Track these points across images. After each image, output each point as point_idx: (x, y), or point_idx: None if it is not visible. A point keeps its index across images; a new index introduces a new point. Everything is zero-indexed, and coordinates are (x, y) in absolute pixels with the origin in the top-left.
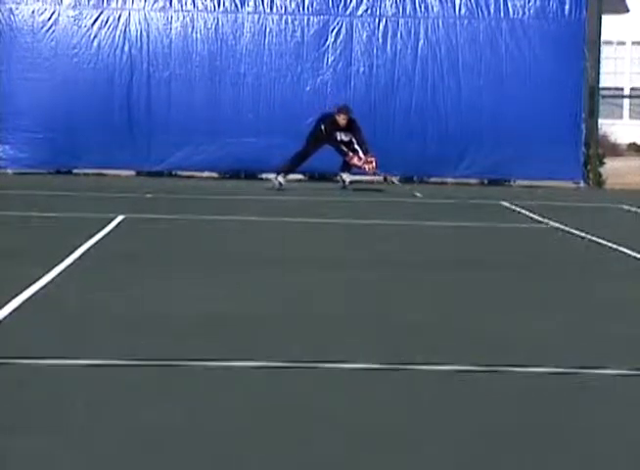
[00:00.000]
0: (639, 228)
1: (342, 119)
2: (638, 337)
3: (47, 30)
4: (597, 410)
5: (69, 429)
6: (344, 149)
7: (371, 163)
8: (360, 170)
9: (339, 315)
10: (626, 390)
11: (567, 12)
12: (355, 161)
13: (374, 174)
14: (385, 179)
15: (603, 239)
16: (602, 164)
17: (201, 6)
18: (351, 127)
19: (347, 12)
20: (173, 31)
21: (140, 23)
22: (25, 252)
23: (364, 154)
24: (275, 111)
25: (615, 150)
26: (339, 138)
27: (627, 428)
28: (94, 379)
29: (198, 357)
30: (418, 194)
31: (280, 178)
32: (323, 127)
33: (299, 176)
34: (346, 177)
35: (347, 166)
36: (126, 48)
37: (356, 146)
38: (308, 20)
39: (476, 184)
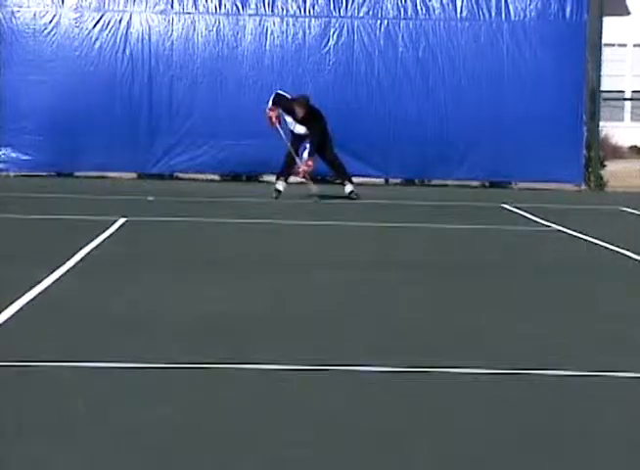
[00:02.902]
0: None
1: (299, 111)
2: (639, 339)
3: (48, 33)
4: (598, 413)
5: (71, 432)
6: (293, 146)
7: (309, 166)
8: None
9: (338, 316)
10: (629, 393)
11: (568, 14)
12: (299, 165)
13: (302, 177)
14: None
15: (604, 241)
16: (603, 166)
17: (202, 8)
18: (309, 120)
19: (349, 14)
20: (174, 34)
21: (141, 25)
22: (28, 254)
23: (309, 155)
24: None
25: (616, 152)
26: (291, 128)
27: (629, 430)
28: (95, 381)
29: (198, 359)
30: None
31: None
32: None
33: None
34: (281, 186)
35: (285, 173)
36: (128, 50)
37: (307, 144)
38: (309, 22)
39: (477, 186)
